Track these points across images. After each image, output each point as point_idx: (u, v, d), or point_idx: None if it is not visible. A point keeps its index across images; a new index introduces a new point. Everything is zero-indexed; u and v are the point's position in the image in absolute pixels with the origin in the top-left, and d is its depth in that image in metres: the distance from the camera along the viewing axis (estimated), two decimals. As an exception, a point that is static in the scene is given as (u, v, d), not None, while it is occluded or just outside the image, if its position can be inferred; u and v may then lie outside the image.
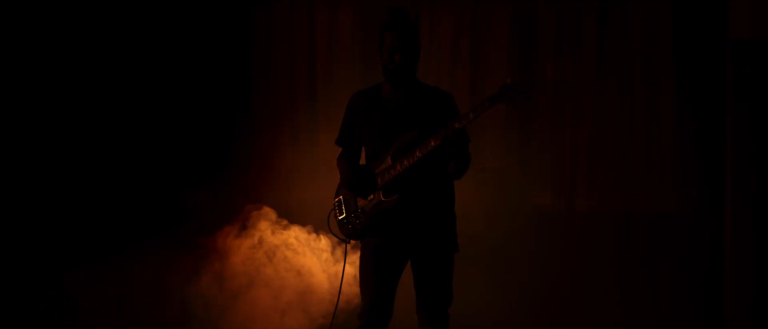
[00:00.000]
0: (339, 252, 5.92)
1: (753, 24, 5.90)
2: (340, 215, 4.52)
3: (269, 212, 6.00)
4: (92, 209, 6.25)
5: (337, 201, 4.53)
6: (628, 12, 6.18)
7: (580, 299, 6.17)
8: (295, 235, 5.97)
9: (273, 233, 5.95)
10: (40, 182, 6.25)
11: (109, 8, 6.30)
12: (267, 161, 6.34)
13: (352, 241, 4.52)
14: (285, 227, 5.98)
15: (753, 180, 5.94)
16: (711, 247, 6.08)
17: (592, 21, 6.21)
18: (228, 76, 6.40)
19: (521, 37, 6.27)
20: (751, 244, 5.95)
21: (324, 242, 5.97)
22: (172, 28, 6.32)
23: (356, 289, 4.73)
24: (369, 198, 4.38)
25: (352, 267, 5.22)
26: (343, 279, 4.78)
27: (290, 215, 6.03)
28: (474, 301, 5.83)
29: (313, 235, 5.98)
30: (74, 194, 6.24)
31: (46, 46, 6.26)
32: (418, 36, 4.34)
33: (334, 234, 4.55)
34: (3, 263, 6.12)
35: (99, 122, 6.31)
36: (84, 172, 6.27)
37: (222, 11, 6.36)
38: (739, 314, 5.98)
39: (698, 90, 6.09)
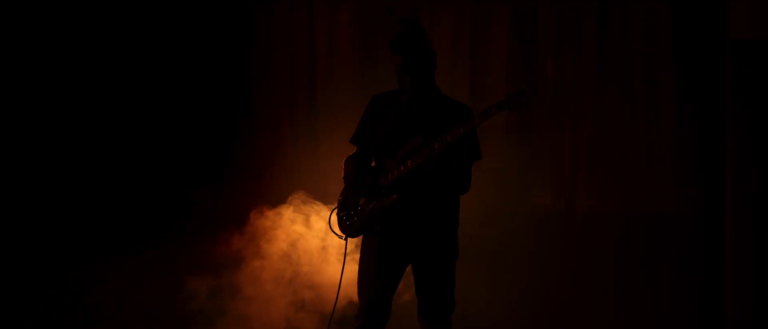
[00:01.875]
0: (351, 246, 5.90)
1: (753, 24, 5.89)
2: (341, 212, 4.52)
3: (283, 210, 5.98)
4: (93, 208, 6.26)
5: (340, 199, 4.53)
6: (628, 12, 6.17)
7: (580, 299, 6.17)
8: (310, 234, 5.96)
9: (286, 230, 5.95)
10: (41, 182, 6.26)
11: (111, 8, 6.31)
12: (267, 161, 6.35)
13: (348, 238, 4.52)
14: (302, 221, 5.96)
15: (753, 180, 5.93)
16: (711, 247, 6.07)
17: (592, 21, 6.21)
18: (228, 76, 6.41)
19: (521, 37, 6.27)
20: (751, 244, 5.95)
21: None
22: (173, 29, 6.33)
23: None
24: (368, 198, 4.39)
25: (351, 265, 5.22)
26: (343, 277, 4.77)
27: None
28: (474, 301, 5.83)
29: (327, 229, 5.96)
30: (75, 194, 6.25)
31: (49, 46, 6.27)
32: (429, 46, 4.29)
33: (332, 231, 4.56)
34: (4, 262, 6.13)
35: (100, 121, 6.32)
36: (84, 172, 6.28)
37: (222, 11, 6.37)
38: (739, 314, 5.97)
39: (698, 90, 6.08)
